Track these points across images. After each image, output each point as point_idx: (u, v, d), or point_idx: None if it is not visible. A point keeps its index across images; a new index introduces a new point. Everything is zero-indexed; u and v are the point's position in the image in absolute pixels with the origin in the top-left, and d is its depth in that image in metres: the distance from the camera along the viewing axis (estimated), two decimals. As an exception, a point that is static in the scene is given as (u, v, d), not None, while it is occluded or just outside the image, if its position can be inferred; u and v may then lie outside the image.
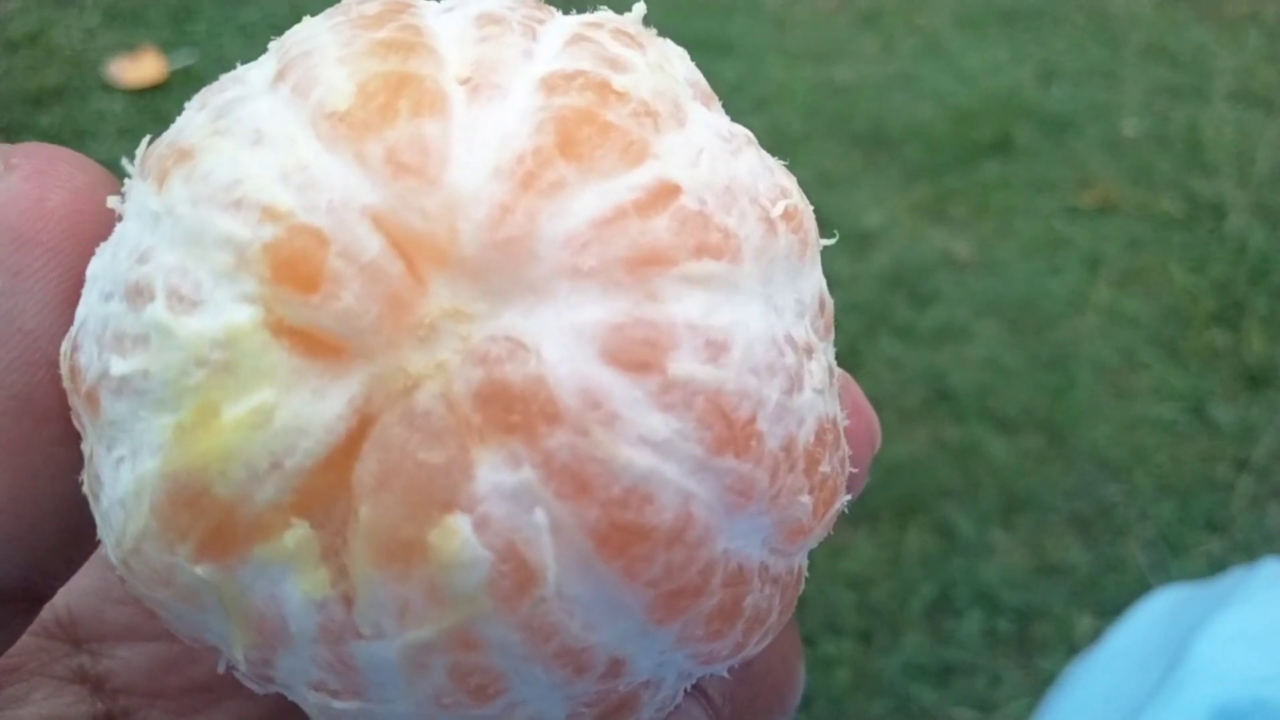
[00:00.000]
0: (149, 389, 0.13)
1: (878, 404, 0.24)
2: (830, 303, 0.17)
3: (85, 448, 0.15)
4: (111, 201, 0.16)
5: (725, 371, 0.13)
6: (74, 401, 0.15)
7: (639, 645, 0.14)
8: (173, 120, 0.15)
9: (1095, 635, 0.67)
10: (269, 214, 0.13)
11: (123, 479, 0.13)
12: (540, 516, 0.12)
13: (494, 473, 0.12)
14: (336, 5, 0.16)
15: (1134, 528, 1.28)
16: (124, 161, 0.16)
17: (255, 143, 0.13)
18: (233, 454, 0.12)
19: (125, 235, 0.14)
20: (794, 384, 0.14)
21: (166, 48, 1.87)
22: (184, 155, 0.14)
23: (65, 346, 0.15)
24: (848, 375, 0.19)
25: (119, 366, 0.13)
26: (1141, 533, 1.28)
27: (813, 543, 0.16)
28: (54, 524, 0.16)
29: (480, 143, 0.13)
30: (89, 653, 0.21)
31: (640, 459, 0.13)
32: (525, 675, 0.13)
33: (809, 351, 0.15)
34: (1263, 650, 0.51)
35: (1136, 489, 1.32)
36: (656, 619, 0.13)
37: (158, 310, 0.13)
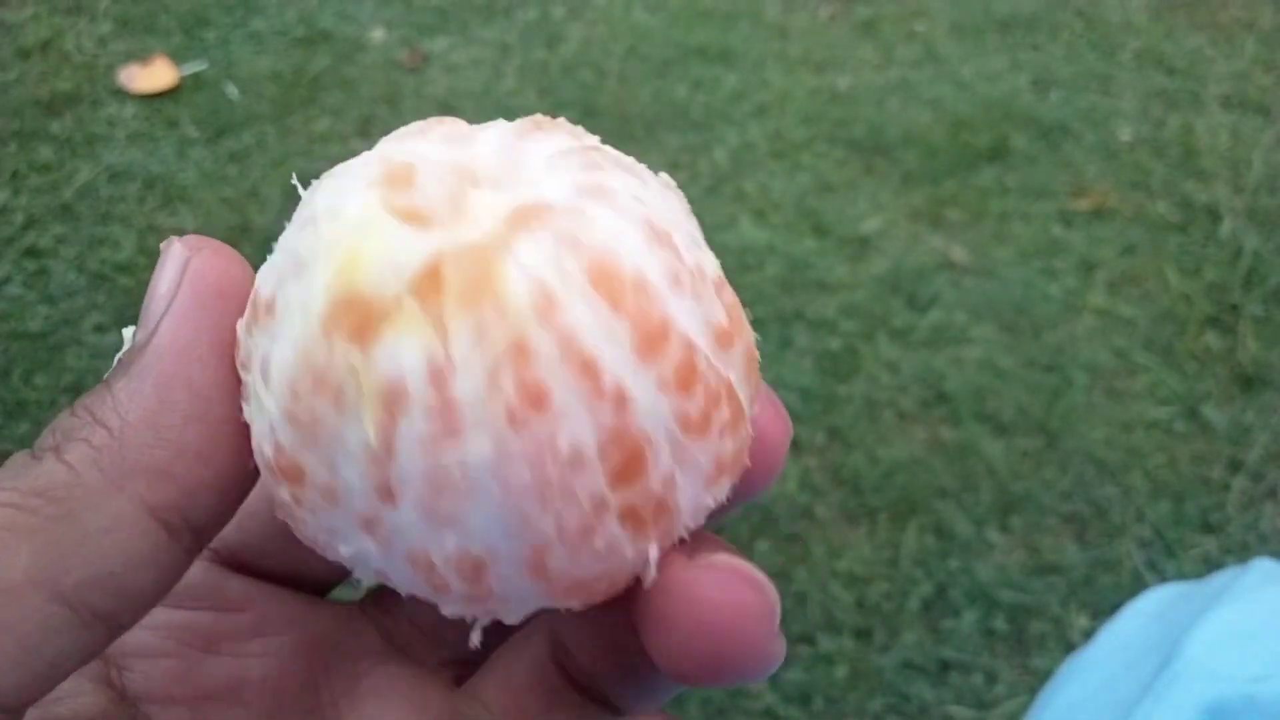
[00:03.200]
0: (315, 257, 0.20)
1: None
2: (716, 263, 0.24)
3: (253, 359, 0.22)
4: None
5: (649, 207, 0.21)
6: (249, 325, 0.22)
7: (633, 378, 0.20)
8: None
9: (1091, 634, 0.67)
10: (382, 159, 0.21)
11: (295, 322, 0.20)
12: (553, 261, 0.20)
13: (524, 244, 0.20)
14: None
15: (1129, 528, 1.30)
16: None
17: (365, 155, 0.22)
18: (370, 269, 0.20)
19: (285, 232, 0.22)
20: (695, 239, 0.22)
21: (177, 55, 1.89)
22: (326, 176, 0.22)
23: (240, 323, 0.22)
24: (768, 386, 0.24)
25: (297, 248, 0.21)
26: (1137, 533, 1.30)
27: (735, 361, 0.22)
28: (242, 489, 0.23)
29: (490, 133, 0.22)
30: (114, 666, 0.25)
31: (608, 229, 0.20)
32: (562, 381, 0.19)
33: (700, 249, 0.22)
34: (1254, 648, 0.52)
35: (1132, 490, 1.33)
36: (639, 353, 0.20)
37: (319, 214, 0.21)
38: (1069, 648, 1.18)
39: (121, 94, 1.83)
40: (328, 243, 0.20)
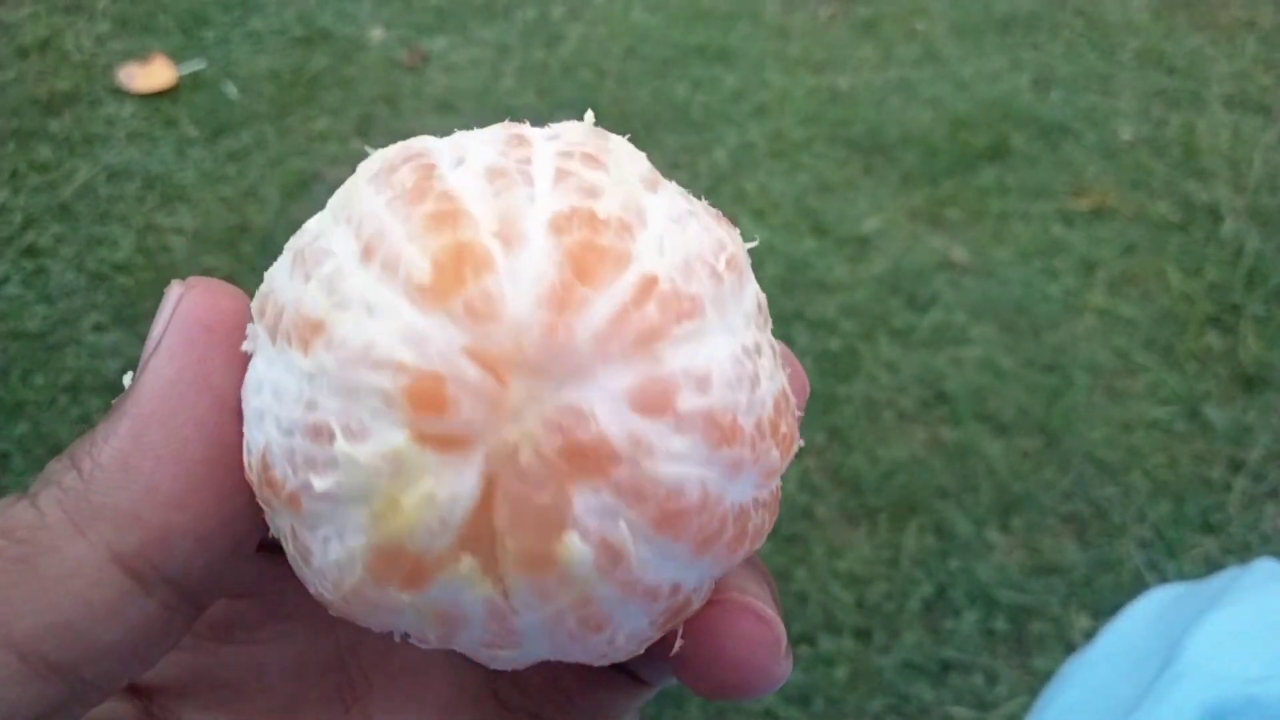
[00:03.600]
0: (343, 495, 0.19)
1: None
2: (764, 298, 0.23)
3: (282, 524, 0.21)
4: (245, 345, 0.22)
5: (711, 397, 0.20)
6: (269, 497, 0.21)
7: (688, 573, 0.21)
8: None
9: (1091, 635, 0.67)
10: (400, 368, 0.19)
11: (333, 550, 0.20)
12: (619, 521, 0.19)
13: (584, 500, 0.19)
14: (376, 173, 0.21)
15: (1130, 528, 1.30)
16: (253, 307, 0.22)
17: (370, 314, 0.19)
18: (415, 526, 0.18)
19: (281, 384, 0.20)
20: (754, 383, 0.21)
21: (176, 55, 1.89)
22: (316, 327, 0.19)
23: (251, 460, 0.21)
24: (783, 344, 0.24)
25: (320, 484, 0.19)
26: (1137, 533, 1.30)
27: (783, 471, 0.23)
28: (230, 536, 0.21)
29: (522, 283, 0.19)
30: None
31: (672, 470, 0.19)
32: (623, 610, 0.20)
33: (759, 350, 0.21)
34: (1255, 649, 0.52)
35: (1132, 490, 1.33)
36: (697, 555, 0.20)
37: (341, 445, 0.19)
38: (1069, 648, 1.18)
39: (120, 93, 1.82)
40: (361, 485, 0.19)
